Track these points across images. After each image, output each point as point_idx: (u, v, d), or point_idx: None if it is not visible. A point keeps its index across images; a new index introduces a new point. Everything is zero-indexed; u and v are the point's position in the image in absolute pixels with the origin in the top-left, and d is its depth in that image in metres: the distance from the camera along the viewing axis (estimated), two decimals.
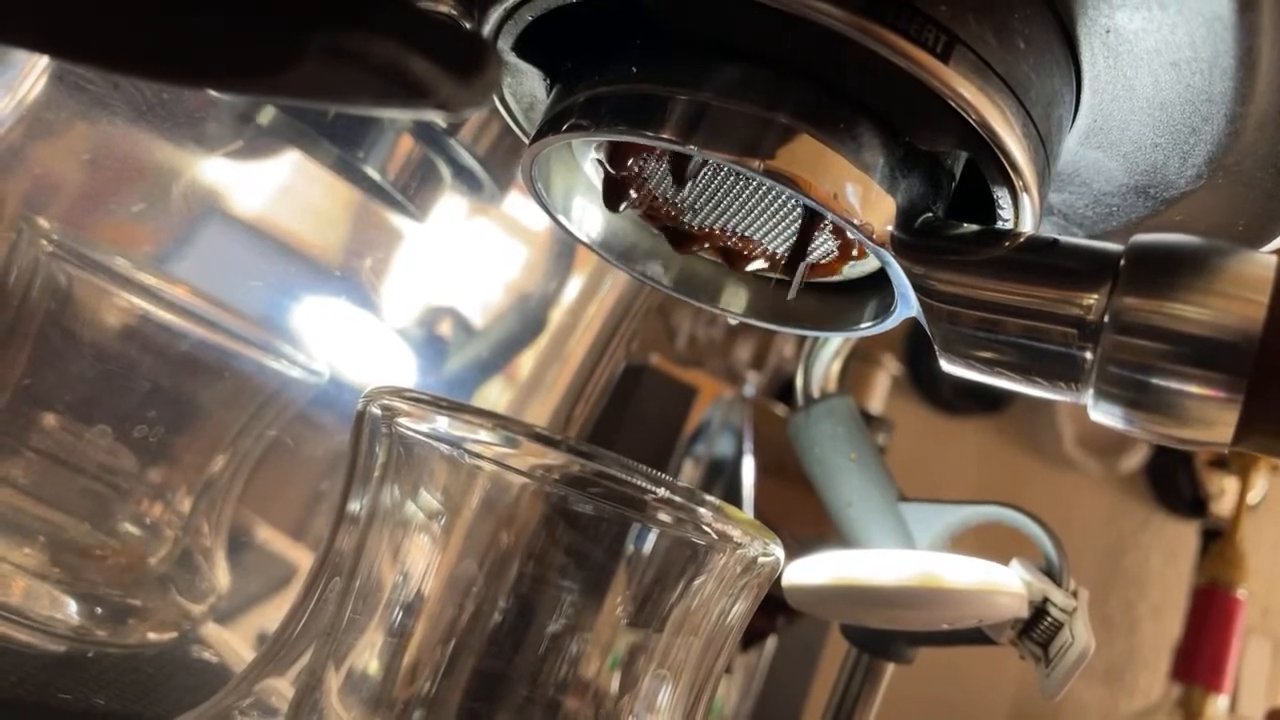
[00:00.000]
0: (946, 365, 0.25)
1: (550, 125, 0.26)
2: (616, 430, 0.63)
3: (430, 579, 0.25)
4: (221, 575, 0.41)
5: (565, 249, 0.50)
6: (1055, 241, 0.23)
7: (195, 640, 0.40)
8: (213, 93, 0.37)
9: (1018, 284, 0.23)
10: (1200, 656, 1.01)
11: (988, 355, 0.24)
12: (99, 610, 0.37)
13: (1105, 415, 0.22)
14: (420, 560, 0.25)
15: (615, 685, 0.25)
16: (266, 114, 0.39)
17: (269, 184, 0.42)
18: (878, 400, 0.89)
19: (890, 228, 0.24)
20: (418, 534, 0.26)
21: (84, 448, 0.37)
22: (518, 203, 0.48)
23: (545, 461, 0.25)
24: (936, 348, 0.24)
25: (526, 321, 0.50)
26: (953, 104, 0.22)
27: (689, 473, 0.84)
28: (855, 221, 0.23)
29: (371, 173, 0.41)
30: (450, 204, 0.46)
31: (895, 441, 0.88)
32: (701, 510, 0.24)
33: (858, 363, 0.88)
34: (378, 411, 0.25)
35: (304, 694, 0.25)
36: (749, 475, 0.75)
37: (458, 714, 0.24)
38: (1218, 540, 1.08)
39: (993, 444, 1.25)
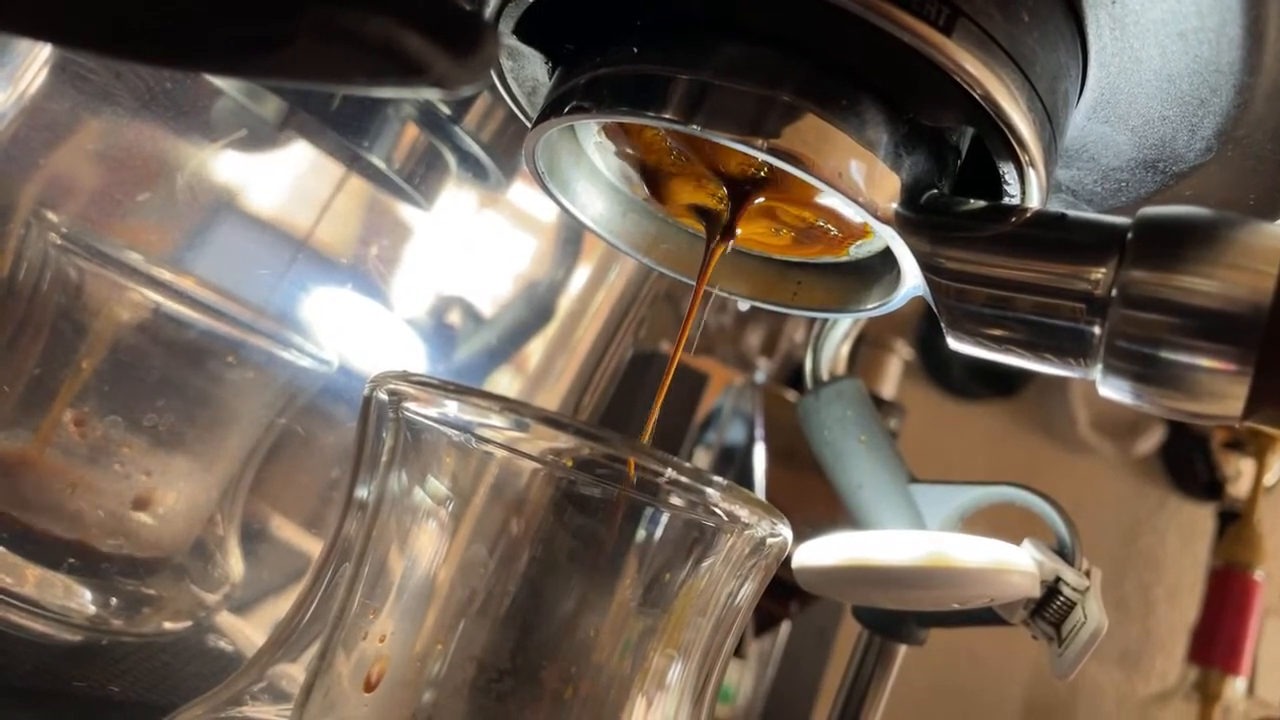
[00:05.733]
0: (954, 343, 0.24)
1: (552, 108, 0.26)
2: (626, 418, 0.63)
3: (439, 563, 0.25)
4: (235, 564, 0.42)
5: (573, 236, 0.50)
6: (1063, 216, 0.23)
7: (210, 629, 0.41)
8: (210, 78, 0.37)
9: (1025, 260, 0.23)
10: (1217, 639, 1.01)
11: (996, 332, 0.23)
12: (114, 600, 0.37)
13: (1114, 390, 0.22)
14: (429, 545, 0.25)
15: (625, 667, 0.25)
16: (271, 103, 0.39)
17: (274, 173, 0.42)
18: (889, 385, 0.89)
19: (895, 205, 0.24)
20: (426, 519, 0.26)
21: (96, 438, 0.37)
22: (524, 190, 0.48)
23: (556, 445, 0.25)
24: (943, 325, 0.24)
25: (535, 309, 0.50)
26: (957, 79, 0.22)
27: (700, 460, 0.84)
28: (860, 199, 0.23)
29: (377, 161, 0.41)
30: (456, 192, 0.46)
31: (907, 426, 0.88)
32: (710, 490, 0.24)
33: (869, 347, 0.87)
34: (384, 397, 0.25)
35: (315, 678, 0.25)
36: (760, 462, 0.75)
37: (468, 697, 0.24)
38: (1234, 522, 1.08)
39: (1006, 428, 1.24)
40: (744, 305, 0.33)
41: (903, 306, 0.28)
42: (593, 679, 0.25)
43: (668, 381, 0.28)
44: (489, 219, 0.48)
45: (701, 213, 0.30)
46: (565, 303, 0.51)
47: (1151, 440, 1.23)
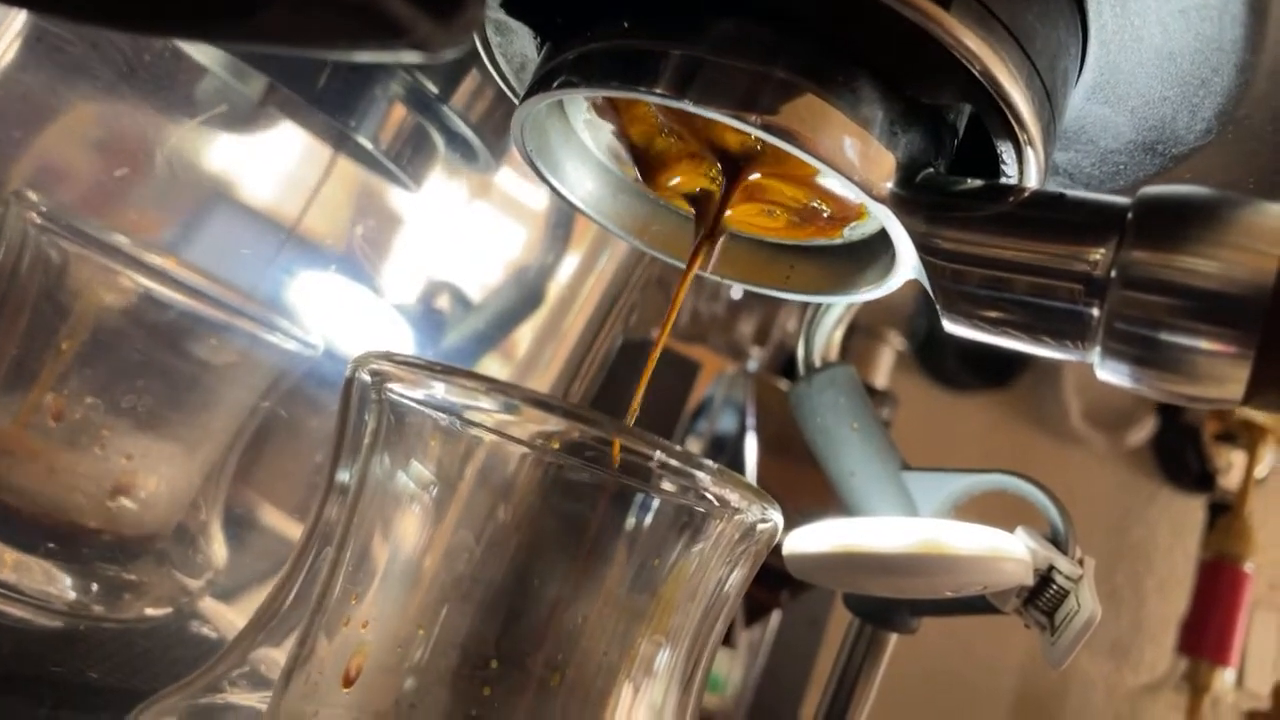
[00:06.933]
0: (950, 325, 0.24)
1: (541, 83, 0.25)
2: (616, 406, 0.62)
3: (424, 549, 0.25)
4: (218, 550, 0.41)
5: (563, 221, 0.50)
6: (1061, 195, 0.22)
7: (193, 615, 0.40)
8: (190, 49, 0.36)
9: (1023, 240, 0.22)
10: (1207, 630, 1.01)
11: (992, 314, 0.23)
12: (94, 585, 0.36)
13: (1112, 373, 0.22)
14: (413, 531, 0.25)
15: (612, 653, 0.24)
16: (256, 81, 0.38)
17: (259, 153, 0.41)
18: (882, 375, 0.88)
19: (890, 184, 0.23)
20: (410, 504, 0.25)
21: (76, 420, 0.36)
22: (514, 175, 0.47)
23: (545, 428, 0.24)
24: (939, 308, 0.24)
25: (524, 294, 0.49)
26: (955, 54, 0.22)
27: (692, 449, 0.84)
28: (854, 178, 0.23)
29: (364, 141, 0.40)
30: (445, 175, 0.45)
31: (900, 417, 0.88)
32: (700, 474, 0.24)
33: (862, 337, 0.87)
34: (366, 378, 0.24)
35: (295, 665, 0.24)
36: (752, 451, 0.75)
37: (452, 684, 0.24)
38: (1225, 514, 1.08)
39: (998, 419, 1.24)
40: (737, 290, 0.32)
41: (896, 296, 0.28)
42: (579, 666, 0.24)
43: (652, 364, 0.28)
44: (478, 203, 0.48)
45: (691, 198, 0.29)
46: (555, 289, 0.50)
47: (1143, 432, 1.23)
